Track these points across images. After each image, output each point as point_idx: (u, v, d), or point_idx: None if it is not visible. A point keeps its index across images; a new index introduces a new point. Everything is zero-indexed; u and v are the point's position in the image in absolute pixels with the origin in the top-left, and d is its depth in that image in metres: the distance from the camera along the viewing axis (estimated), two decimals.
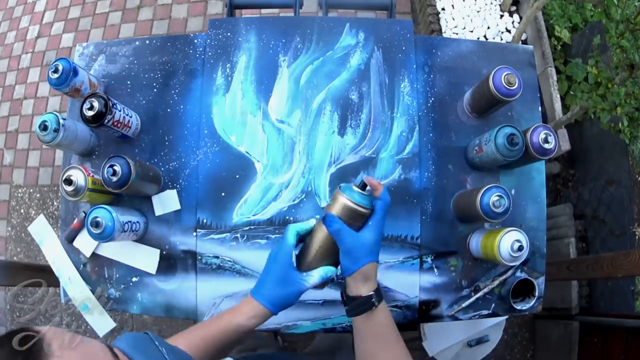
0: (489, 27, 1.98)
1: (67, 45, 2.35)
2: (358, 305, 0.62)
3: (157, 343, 0.52)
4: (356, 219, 0.61)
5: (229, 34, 1.00)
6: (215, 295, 0.91)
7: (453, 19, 1.99)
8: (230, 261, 0.92)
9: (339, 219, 0.60)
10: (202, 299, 0.91)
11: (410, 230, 0.92)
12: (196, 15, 2.31)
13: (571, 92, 1.89)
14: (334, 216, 0.61)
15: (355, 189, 0.61)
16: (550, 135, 0.82)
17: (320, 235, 0.63)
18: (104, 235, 0.80)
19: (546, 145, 0.82)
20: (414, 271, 0.91)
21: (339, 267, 0.65)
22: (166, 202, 0.94)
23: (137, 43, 1.03)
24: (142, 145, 0.98)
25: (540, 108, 1.00)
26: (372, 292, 0.61)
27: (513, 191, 0.94)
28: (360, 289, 0.62)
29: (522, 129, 0.84)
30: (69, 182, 0.81)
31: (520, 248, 0.79)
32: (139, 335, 0.53)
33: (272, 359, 0.89)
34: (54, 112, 0.85)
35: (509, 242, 0.80)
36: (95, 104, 0.83)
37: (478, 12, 2.00)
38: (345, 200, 0.60)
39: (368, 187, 0.61)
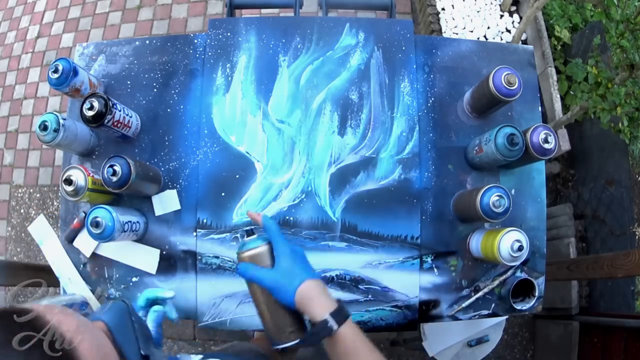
0: (489, 27, 1.98)
1: (67, 45, 2.35)
2: (315, 333, 0.55)
3: (133, 318, 0.51)
4: (263, 260, 0.59)
5: (229, 34, 1.00)
6: (215, 295, 0.91)
7: (453, 19, 1.99)
8: (230, 261, 0.91)
9: (247, 264, 0.58)
10: (202, 299, 0.91)
11: (410, 230, 0.92)
12: (196, 15, 2.31)
13: (571, 92, 1.89)
14: (242, 264, 0.58)
15: (245, 239, 0.60)
16: (550, 135, 0.82)
17: (253, 292, 0.60)
18: (104, 235, 0.80)
19: (546, 145, 0.82)
20: (414, 271, 0.91)
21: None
22: (166, 202, 0.94)
23: (137, 43, 1.03)
24: (142, 145, 0.97)
25: (540, 108, 1.00)
26: (326, 316, 0.55)
27: (513, 191, 0.94)
28: (314, 312, 0.56)
29: (522, 129, 0.84)
30: (69, 182, 0.81)
31: (520, 248, 0.79)
32: (119, 308, 0.52)
33: None
34: (54, 112, 0.85)
35: (509, 242, 0.80)
36: (95, 104, 0.83)
37: (478, 12, 2.00)
38: (243, 254, 0.59)
39: (253, 228, 0.59)
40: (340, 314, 0.56)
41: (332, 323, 0.55)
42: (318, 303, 0.56)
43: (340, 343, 0.56)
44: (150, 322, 0.61)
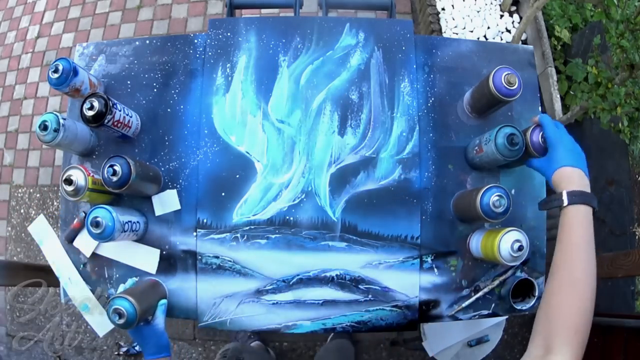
0: (489, 27, 1.98)
1: (67, 45, 2.35)
2: (547, 200, 0.74)
3: None
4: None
5: (229, 34, 1.00)
6: (215, 295, 0.91)
7: (453, 19, 1.99)
8: (230, 261, 0.92)
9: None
10: (202, 299, 0.91)
11: (410, 230, 0.92)
12: (196, 15, 2.31)
13: (571, 92, 1.89)
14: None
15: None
16: None
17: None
18: (104, 235, 0.80)
19: (546, 145, 0.82)
20: (414, 271, 0.91)
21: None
22: (166, 202, 0.94)
23: (137, 43, 1.03)
24: (142, 145, 0.97)
25: (540, 108, 1.00)
26: (562, 192, 0.70)
27: (513, 191, 0.94)
28: (561, 187, 0.72)
29: (522, 129, 0.84)
30: (69, 182, 0.81)
31: (521, 248, 0.79)
32: None
33: None
34: (54, 112, 0.85)
35: (509, 242, 0.80)
36: (95, 104, 0.83)
37: (478, 12, 2.00)
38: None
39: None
40: (577, 198, 0.69)
41: (562, 200, 0.69)
42: (564, 185, 0.72)
43: (563, 219, 0.69)
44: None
